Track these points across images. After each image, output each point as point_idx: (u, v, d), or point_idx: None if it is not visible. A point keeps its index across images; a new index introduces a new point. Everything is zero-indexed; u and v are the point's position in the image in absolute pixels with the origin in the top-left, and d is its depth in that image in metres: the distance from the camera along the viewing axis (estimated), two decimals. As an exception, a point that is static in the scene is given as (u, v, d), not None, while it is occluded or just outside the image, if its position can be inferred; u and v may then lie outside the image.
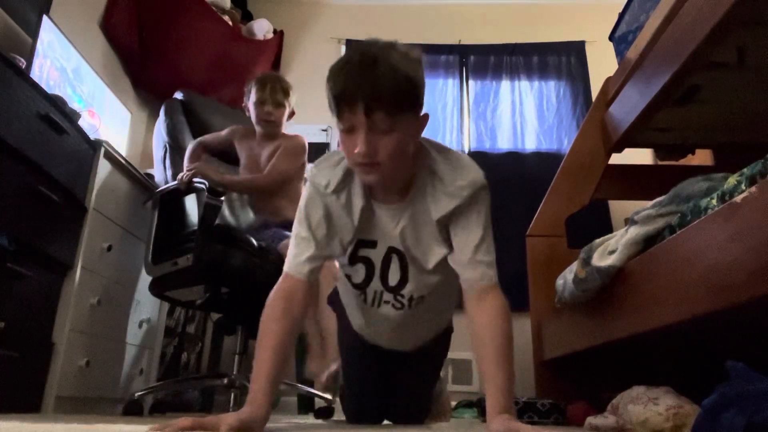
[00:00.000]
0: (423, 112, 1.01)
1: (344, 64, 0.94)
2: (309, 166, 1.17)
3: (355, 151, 0.92)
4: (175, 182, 1.83)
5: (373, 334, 1.31)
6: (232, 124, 2.35)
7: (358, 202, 1.06)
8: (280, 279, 1.03)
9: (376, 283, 1.14)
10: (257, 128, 1.98)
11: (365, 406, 1.42)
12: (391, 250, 1.10)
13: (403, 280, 1.12)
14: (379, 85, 0.89)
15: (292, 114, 2.02)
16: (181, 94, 2.17)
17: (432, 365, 1.44)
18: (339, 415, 2.26)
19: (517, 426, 0.85)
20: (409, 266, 1.11)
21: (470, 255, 1.01)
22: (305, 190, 1.08)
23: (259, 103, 1.91)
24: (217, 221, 1.77)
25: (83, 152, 1.73)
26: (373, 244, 1.10)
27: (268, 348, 0.95)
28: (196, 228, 1.87)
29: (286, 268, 1.04)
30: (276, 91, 1.92)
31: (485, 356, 0.99)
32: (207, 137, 2.00)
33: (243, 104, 2.00)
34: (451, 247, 1.05)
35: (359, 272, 1.13)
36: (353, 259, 1.12)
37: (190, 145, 1.93)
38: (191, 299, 1.84)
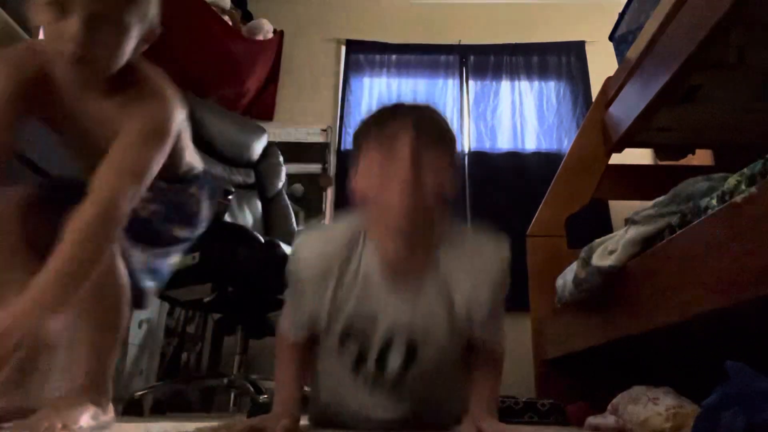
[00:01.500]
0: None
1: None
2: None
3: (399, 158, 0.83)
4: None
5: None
6: (230, 125, 2.34)
7: (365, 263, 0.91)
8: (283, 341, 0.98)
9: (369, 368, 0.96)
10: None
11: None
12: (397, 332, 0.94)
13: (408, 363, 0.95)
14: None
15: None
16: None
17: None
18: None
19: (504, 427, 0.87)
20: (418, 350, 0.95)
21: (481, 324, 0.94)
22: (295, 251, 0.95)
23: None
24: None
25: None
26: (370, 325, 0.93)
27: (291, 361, 0.97)
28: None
29: (285, 332, 0.98)
30: None
31: (476, 388, 0.98)
32: None
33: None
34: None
35: (348, 352, 0.96)
36: (345, 336, 0.95)
37: None
38: (195, 298, 1.83)
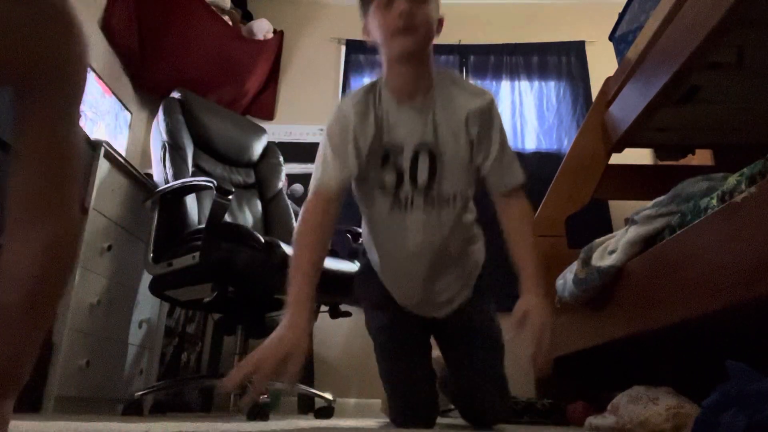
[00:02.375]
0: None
1: None
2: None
3: (398, 13, 1.06)
4: (178, 182, 1.82)
5: (403, 283, 1.28)
6: (230, 125, 2.35)
7: (384, 104, 1.16)
8: (309, 198, 1.11)
9: (407, 186, 1.18)
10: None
11: (408, 401, 1.29)
12: (421, 147, 1.17)
13: (432, 175, 1.17)
14: None
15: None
16: (179, 94, 2.17)
17: (483, 334, 1.30)
18: (338, 414, 2.27)
19: (543, 306, 1.08)
20: (438, 161, 1.17)
21: (493, 161, 1.17)
22: (328, 120, 1.17)
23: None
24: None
25: (83, 152, 1.73)
26: (400, 150, 1.17)
27: (306, 262, 1.03)
28: (197, 227, 1.87)
29: (314, 187, 1.12)
30: None
31: (518, 252, 1.17)
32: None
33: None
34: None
35: (389, 176, 1.18)
36: (384, 162, 1.18)
37: None
38: (195, 298, 1.83)
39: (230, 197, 1.70)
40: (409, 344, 1.32)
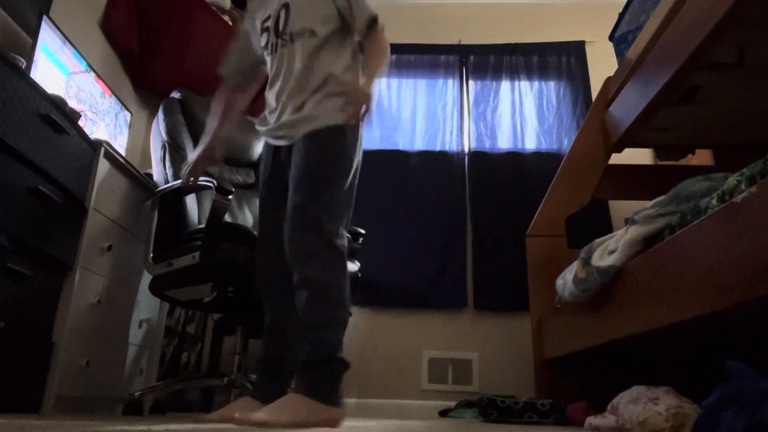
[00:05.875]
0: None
1: None
2: None
3: None
4: (178, 182, 1.82)
5: (272, 104, 1.60)
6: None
7: None
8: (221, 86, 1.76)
9: (272, 36, 1.60)
10: None
11: (261, 247, 1.53)
12: (280, 7, 1.59)
13: (285, 23, 1.56)
14: None
15: None
16: (179, 93, 2.17)
17: (301, 169, 1.41)
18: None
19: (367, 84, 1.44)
20: (290, 9, 1.57)
21: (344, 7, 1.55)
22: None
23: None
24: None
25: (83, 152, 1.73)
26: (268, 18, 1.62)
27: (217, 113, 1.73)
28: (197, 227, 1.87)
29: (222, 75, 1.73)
30: None
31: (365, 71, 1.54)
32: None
33: None
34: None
35: (264, 37, 1.64)
36: (263, 31, 1.64)
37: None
38: (195, 298, 1.83)
39: (230, 197, 1.70)
40: (273, 198, 1.54)
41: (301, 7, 1.56)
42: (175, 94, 2.16)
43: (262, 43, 1.64)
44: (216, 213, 1.67)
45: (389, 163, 3.17)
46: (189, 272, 1.69)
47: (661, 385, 1.32)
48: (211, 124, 1.70)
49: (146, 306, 2.14)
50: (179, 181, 1.84)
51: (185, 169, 1.68)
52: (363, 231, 2.07)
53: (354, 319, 2.91)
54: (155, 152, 2.03)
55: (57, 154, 1.58)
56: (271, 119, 1.59)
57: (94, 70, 2.19)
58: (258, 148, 2.41)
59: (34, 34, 1.77)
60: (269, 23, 1.61)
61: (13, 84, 1.40)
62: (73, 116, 1.70)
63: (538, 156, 3.19)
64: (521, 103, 3.34)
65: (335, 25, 1.55)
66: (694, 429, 0.82)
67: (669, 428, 1.17)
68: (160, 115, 2.06)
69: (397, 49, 3.46)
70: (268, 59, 1.64)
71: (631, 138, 2.14)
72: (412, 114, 3.35)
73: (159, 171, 1.99)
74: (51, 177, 1.54)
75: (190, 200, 1.98)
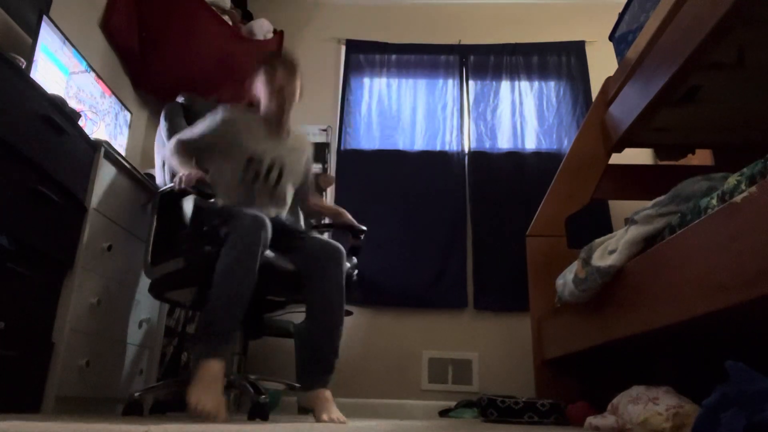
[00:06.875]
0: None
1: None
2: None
3: (278, 84, 1.86)
4: (172, 185, 1.82)
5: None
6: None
7: (255, 122, 1.91)
8: (175, 142, 1.83)
9: (260, 181, 1.87)
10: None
11: None
12: (275, 159, 1.87)
13: (279, 176, 1.89)
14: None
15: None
16: (182, 98, 2.16)
17: None
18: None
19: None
20: (285, 169, 1.90)
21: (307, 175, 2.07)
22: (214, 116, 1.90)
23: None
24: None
25: (83, 152, 1.73)
26: (260, 158, 1.86)
27: (182, 156, 1.77)
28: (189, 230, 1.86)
29: (180, 136, 1.86)
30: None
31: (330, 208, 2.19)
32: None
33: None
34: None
35: (249, 173, 1.86)
36: (248, 164, 1.86)
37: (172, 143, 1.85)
38: (192, 300, 1.83)
39: (212, 200, 1.70)
40: None
41: (293, 171, 1.99)
42: (180, 99, 2.15)
43: (236, 168, 1.87)
44: (197, 217, 1.68)
45: (389, 163, 3.17)
46: (180, 275, 1.68)
47: (661, 385, 1.32)
48: (182, 161, 1.76)
49: (146, 306, 2.14)
50: (172, 184, 1.84)
51: (177, 176, 1.68)
52: (364, 228, 2.04)
53: (354, 319, 2.91)
54: (158, 159, 2.02)
55: (57, 154, 1.58)
56: None
57: (94, 70, 2.19)
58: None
59: (34, 34, 1.77)
60: (259, 167, 1.90)
61: (13, 84, 1.40)
62: (73, 116, 1.70)
63: (538, 156, 3.20)
64: (521, 103, 3.34)
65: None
66: (694, 429, 0.82)
67: (669, 428, 1.17)
68: (162, 122, 2.04)
69: (397, 49, 3.46)
70: (232, 178, 1.86)
71: (631, 138, 2.14)
72: (412, 114, 3.35)
73: (160, 176, 1.98)
74: (51, 177, 1.54)
75: (188, 203, 1.97)
